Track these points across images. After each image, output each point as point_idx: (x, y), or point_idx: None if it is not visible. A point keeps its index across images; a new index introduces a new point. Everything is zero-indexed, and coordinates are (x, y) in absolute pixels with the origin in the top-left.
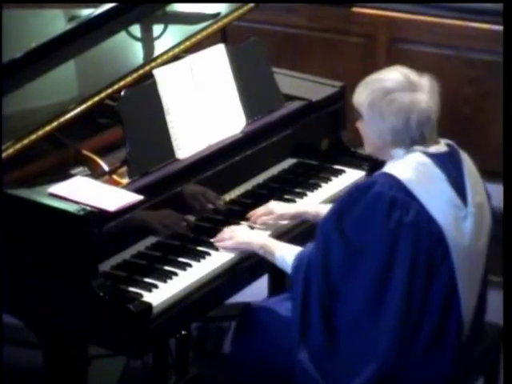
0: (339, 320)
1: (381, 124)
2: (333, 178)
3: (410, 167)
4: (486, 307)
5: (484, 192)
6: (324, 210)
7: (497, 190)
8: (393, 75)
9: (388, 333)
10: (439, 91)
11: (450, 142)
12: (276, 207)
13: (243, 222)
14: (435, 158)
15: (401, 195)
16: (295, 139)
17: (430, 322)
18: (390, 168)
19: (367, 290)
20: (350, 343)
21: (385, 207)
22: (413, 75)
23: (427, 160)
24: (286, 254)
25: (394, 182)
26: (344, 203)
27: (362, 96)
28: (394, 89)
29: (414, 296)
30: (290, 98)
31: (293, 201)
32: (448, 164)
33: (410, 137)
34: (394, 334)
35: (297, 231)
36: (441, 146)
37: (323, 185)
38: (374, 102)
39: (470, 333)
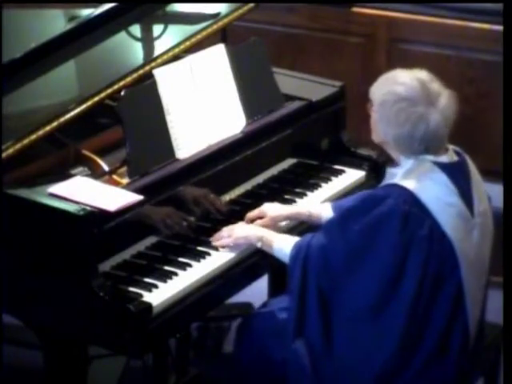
0: (337, 316)
1: (386, 127)
2: (333, 178)
3: (423, 181)
4: (485, 314)
5: (486, 198)
6: (317, 210)
7: (497, 190)
8: (411, 82)
9: (389, 341)
10: (457, 109)
11: (457, 149)
12: (269, 209)
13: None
14: (447, 169)
15: (415, 210)
16: (295, 139)
17: (434, 333)
18: (403, 180)
19: (370, 294)
20: (346, 344)
21: (398, 221)
22: (434, 86)
23: (440, 173)
24: (284, 245)
25: (409, 197)
26: (354, 208)
27: (377, 91)
28: (407, 99)
29: (420, 306)
30: (290, 97)
31: (293, 201)
32: (458, 175)
33: (412, 149)
34: (395, 343)
35: (300, 229)
36: (451, 155)
37: (323, 185)
38: (385, 104)
39: (474, 340)
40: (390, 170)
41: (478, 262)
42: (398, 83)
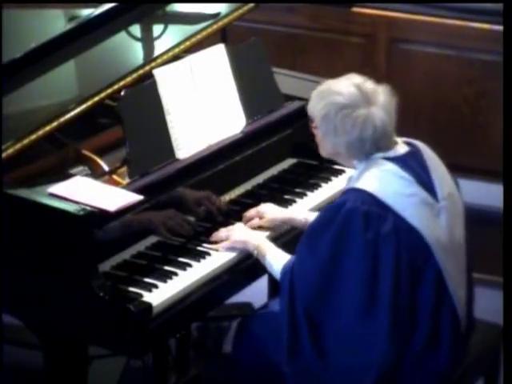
0: (328, 330)
1: (335, 138)
2: (333, 178)
3: (378, 178)
4: (473, 295)
5: (451, 181)
6: (313, 218)
7: (497, 190)
8: (348, 89)
9: (380, 341)
10: (395, 103)
11: (409, 140)
12: (267, 211)
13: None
14: (399, 161)
15: (374, 209)
16: (295, 139)
17: (423, 323)
18: (358, 182)
19: (353, 303)
20: (341, 357)
21: (360, 222)
22: (368, 86)
23: (392, 166)
24: (274, 263)
25: (366, 197)
26: (317, 224)
27: (316, 107)
28: (349, 105)
29: (402, 301)
30: (290, 98)
31: (293, 201)
32: (412, 164)
33: (365, 151)
34: (386, 341)
35: (293, 234)
36: (400, 147)
37: (323, 185)
38: (328, 117)
39: (465, 322)
40: (350, 176)
41: (451, 245)
42: (335, 93)
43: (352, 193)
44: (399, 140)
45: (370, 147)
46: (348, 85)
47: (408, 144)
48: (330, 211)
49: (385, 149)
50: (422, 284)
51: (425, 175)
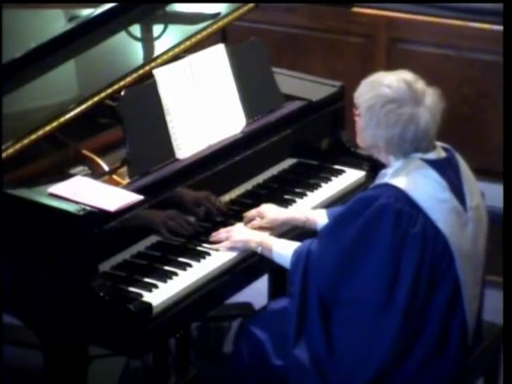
0: (337, 318)
1: (376, 130)
2: (333, 178)
3: (413, 178)
4: (482, 308)
5: (478, 193)
6: (313, 217)
7: (497, 190)
8: (398, 84)
9: (385, 344)
10: (443, 107)
11: (446, 145)
12: (268, 211)
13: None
14: (436, 165)
15: (407, 208)
16: (295, 139)
17: (432, 328)
18: (394, 179)
19: (367, 295)
20: (346, 347)
21: (391, 219)
22: (418, 86)
23: (429, 169)
24: (284, 250)
25: (400, 195)
26: (346, 213)
27: (363, 96)
28: (396, 99)
29: (416, 302)
30: (290, 97)
31: (293, 201)
32: (448, 170)
33: (404, 149)
34: (390, 345)
35: (293, 234)
36: (439, 152)
37: (323, 185)
38: (373, 108)
39: (473, 335)
40: (380, 171)
41: (473, 256)
42: (384, 85)
43: (386, 188)
44: (438, 144)
45: (410, 147)
46: (399, 80)
47: (445, 149)
48: (361, 202)
49: (424, 150)
50: (437, 291)
51: (458, 183)
